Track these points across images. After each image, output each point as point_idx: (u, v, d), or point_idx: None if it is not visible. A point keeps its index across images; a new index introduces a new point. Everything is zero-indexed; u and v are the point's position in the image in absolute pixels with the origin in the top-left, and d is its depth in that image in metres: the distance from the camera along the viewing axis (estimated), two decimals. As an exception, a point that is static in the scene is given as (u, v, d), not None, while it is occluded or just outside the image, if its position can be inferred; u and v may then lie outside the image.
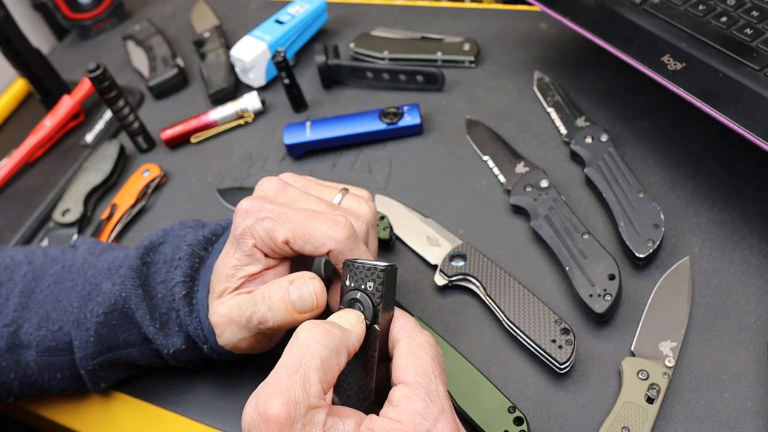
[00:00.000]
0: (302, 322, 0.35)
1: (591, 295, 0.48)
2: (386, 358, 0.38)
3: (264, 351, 0.47)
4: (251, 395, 0.32)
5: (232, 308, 0.43)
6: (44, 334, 0.47)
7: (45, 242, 0.66)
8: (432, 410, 0.34)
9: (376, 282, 0.37)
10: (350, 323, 0.36)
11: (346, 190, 0.47)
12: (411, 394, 0.34)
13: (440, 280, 0.52)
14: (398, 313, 0.39)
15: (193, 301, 0.45)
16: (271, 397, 0.31)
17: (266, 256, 0.43)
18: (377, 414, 0.35)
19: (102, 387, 0.50)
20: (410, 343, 0.37)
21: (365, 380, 0.37)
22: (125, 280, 0.46)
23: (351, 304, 0.37)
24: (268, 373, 0.33)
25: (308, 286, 0.39)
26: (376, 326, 0.37)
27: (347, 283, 0.38)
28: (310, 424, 0.31)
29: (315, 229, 0.41)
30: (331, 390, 0.37)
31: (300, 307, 0.39)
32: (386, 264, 0.37)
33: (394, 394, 0.35)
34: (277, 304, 0.40)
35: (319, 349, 0.33)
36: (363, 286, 0.37)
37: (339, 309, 0.38)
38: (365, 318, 0.37)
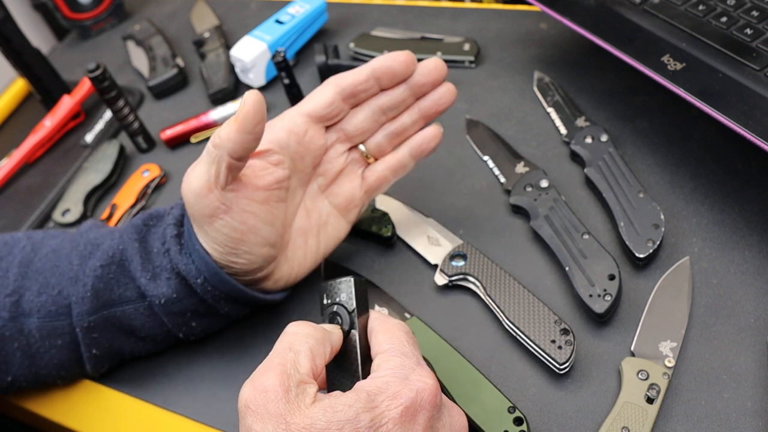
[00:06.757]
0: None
1: (591, 295, 0.48)
2: (369, 360, 0.40)
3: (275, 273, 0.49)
4: (245, 381, 0.36)
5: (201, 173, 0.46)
6: (45, 300, 0.48)
7: (45, 242, 0.66)
8: (408, 363, 0.37)
9: (348, 291, 0.41)
10: (330, 327, 0.40)
11: None
12: (387, 357, 0.38)
13: (440, 279, 0.53)
14: (372, 313, 0.42)
15: (182, 240, 0.48)
16: (266, 373, 0.35)
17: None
18: None
19: (94, 353, 0.50)
20: (385, 327, 0.40)
21: (352, 382, 0.38)
22: (124, 235, 0.49)
23: (332, 318, 0.41)
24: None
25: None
26: (354, 331, 0.40)
27: (324, 302, 0.41)
28: (303, 394, 0.34)
29: None
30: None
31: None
32: (354, 276, 0.41)
33: (374, 363, 0.38)
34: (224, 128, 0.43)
35: (306, 338, 0.37)
36: (338, 299, 0.41)
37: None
38: (343, 325, 0.40)
